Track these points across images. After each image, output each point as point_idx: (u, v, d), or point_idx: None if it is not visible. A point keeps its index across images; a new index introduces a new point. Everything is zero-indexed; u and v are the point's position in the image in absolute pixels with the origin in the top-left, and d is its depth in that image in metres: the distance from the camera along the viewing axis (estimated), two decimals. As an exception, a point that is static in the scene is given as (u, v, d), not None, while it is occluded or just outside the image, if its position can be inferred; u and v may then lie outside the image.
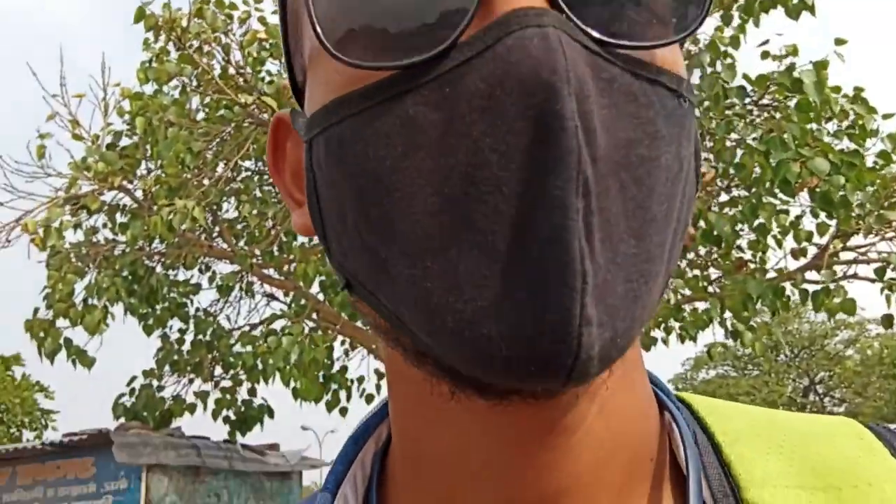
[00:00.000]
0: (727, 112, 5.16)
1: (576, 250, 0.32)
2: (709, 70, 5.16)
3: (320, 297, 5.85)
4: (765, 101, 5.28)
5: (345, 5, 0.37)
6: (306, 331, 5.44)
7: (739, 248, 5.59)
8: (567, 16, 0.35)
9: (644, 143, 0.35)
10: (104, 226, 5.94)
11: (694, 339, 5.74)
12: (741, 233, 5.31)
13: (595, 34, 0.35)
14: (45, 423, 19.37)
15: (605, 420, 0.39)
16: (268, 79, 5.06)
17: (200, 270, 6.50)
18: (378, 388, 6.35)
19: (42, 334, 5.71)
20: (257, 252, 5.71)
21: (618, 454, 0.40)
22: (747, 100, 5.17)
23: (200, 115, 5.64)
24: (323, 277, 5.43)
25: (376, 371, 6.41)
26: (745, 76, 5.18)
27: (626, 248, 0.35)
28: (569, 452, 0.38)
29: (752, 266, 5.56)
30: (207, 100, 5.37)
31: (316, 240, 0.43)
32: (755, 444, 0.43)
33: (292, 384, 5.40)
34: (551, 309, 0.32)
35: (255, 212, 5.67)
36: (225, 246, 5.93)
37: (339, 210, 0.39)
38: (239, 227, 6.00)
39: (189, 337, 6.57)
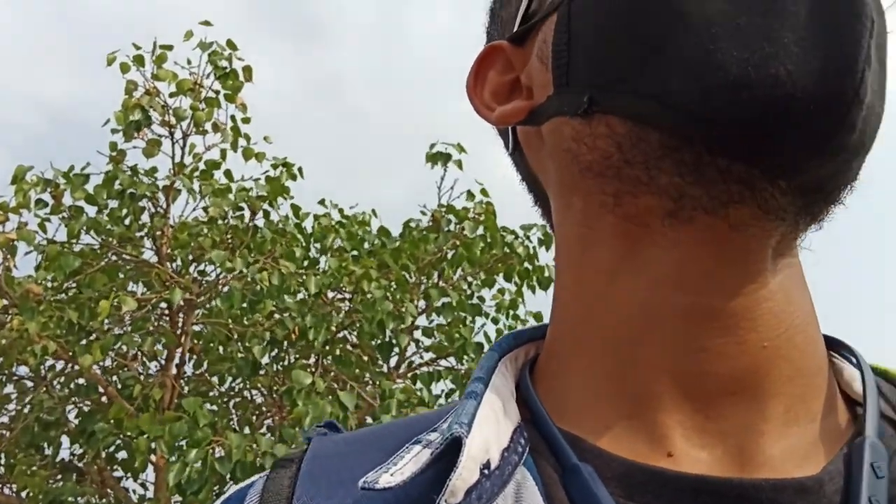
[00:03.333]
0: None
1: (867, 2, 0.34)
2: None
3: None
4: None
5: None
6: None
7: None
8: None
9: None
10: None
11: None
12: None
13: None
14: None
15: (784, 294, 0.41)
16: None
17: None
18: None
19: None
20: None
21: (795, 333, 0.41)
22: None
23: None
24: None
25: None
26: None
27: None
28: (759, 290, 0.40)
29: None
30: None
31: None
32: None
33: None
34: (845, 43, 0.34)
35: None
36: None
37: (597, 27, 0.41)
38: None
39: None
